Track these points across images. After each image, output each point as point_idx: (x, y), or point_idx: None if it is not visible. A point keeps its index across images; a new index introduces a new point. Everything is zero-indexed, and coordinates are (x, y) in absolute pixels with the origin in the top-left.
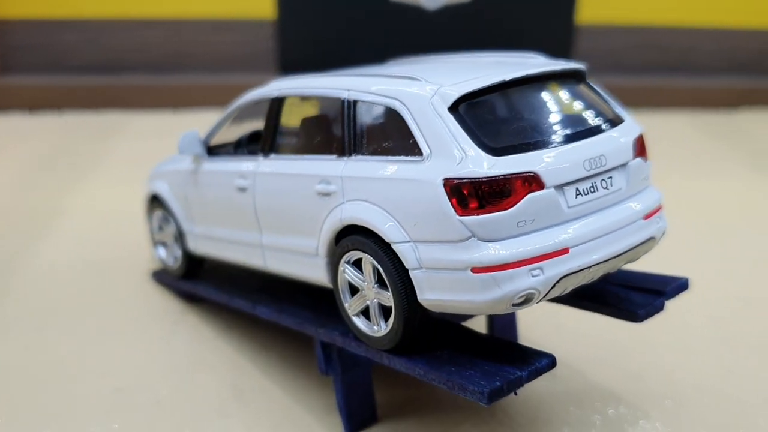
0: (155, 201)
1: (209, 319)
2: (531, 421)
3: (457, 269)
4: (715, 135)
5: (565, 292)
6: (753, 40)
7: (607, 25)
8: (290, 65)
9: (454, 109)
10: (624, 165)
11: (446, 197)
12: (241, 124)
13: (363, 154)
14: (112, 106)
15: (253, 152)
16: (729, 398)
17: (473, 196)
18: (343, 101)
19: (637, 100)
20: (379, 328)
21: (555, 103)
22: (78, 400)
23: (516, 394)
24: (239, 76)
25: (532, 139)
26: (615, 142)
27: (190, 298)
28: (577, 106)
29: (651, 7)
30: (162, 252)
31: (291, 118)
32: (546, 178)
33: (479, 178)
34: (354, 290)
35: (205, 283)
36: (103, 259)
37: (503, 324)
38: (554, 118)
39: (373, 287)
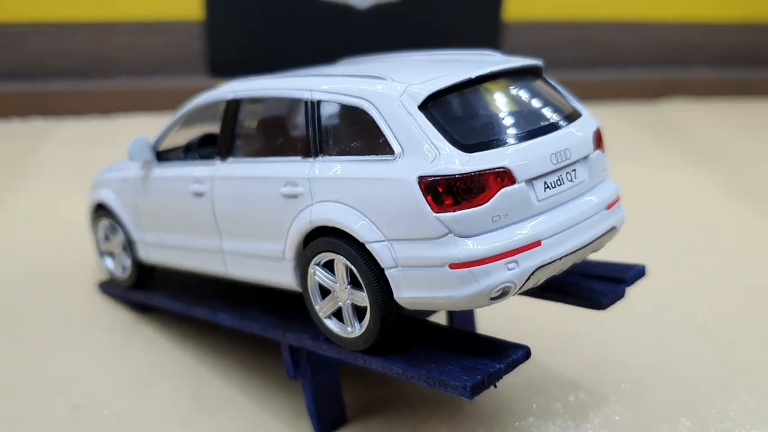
0: (100, 210)
1: (164, 329)
2: (496, 413)
3: (434, 266)
4: (642, 125)
5: (537, 284)
6: (674, 32)
7: (534, 21)
8: (220, 67)
9: (423, 107)
10: (586, 158)
11: (421, 195)
12: (190, 128)
13: (330, 154)
14: (37, 114)
15: (207, 156)
16: (677, 377)
17: (448, 192)
18: (306, 102)
19: None
20: (353, 329)
21: (518, 99)
22: (35, 420)
23: (496, 386)
24: (169, 79)
25: (501, 135)
26: (577, 136)
27: (142, 308)
28: (539, 101)
29: (576, 3)
30: (109, 262)
31: (249, 121)
32: (517, 173)
33: (453, 175)
34: (324, 292)
35: (159, 293)
36: (45, 272)
37: (462, 318)
38: (519, 113)
39: (345, 288)
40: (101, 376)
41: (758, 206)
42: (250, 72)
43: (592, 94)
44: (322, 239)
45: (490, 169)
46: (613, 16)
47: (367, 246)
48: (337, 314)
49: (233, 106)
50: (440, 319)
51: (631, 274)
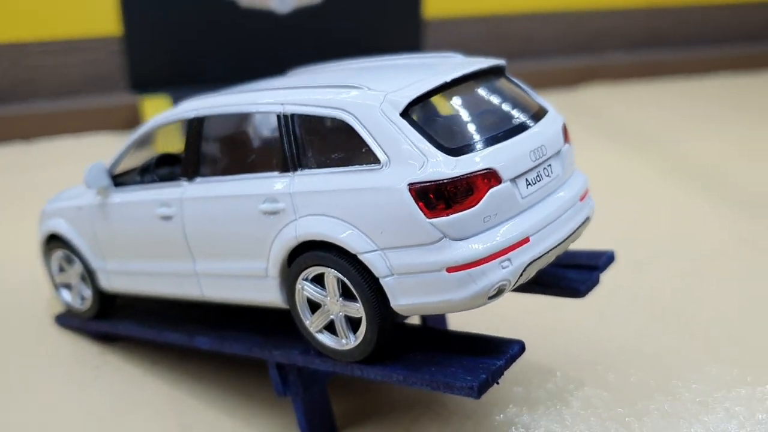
0: (53, 241)
1: (132, 358)
2: (480, 406)
3: (431, 271)
4: (564, 111)
5: (527, 280)
6: (588, 20)
7: (453, 17)
8: (142, 82)
9: (404, 114)
10: (558, 152)
11: (413, 202)
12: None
13: (310, 167)
14: None
15: (169, 177)
16: (645, 354)
17: (440, 197)
18: (279, 116)
19: None
20: (348, 341)
21: (490, 99)
22: None
23: (498, 383)
24: (90, 98)
25: (482, 136)
26: (549, 131)
27: (105, 338)
28: (509, 100)
29: None
30: (66, 294)
31: (215, 139)
32: (502, 173)
33: (444, 180)
34: (313, 307)
35: (125, 321)
36: None
37: (435, 320)
38: (493, 113)
39: (337, 301)
40: (74, 413)
41: (689, 184)
42: (174, 86)
43: None
44: (310, 254)
45: (477, 171)
46: (529, 8)
47: (360, 257)
48: (328, 327)
49: (196, 125)
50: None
51: (603, 260)
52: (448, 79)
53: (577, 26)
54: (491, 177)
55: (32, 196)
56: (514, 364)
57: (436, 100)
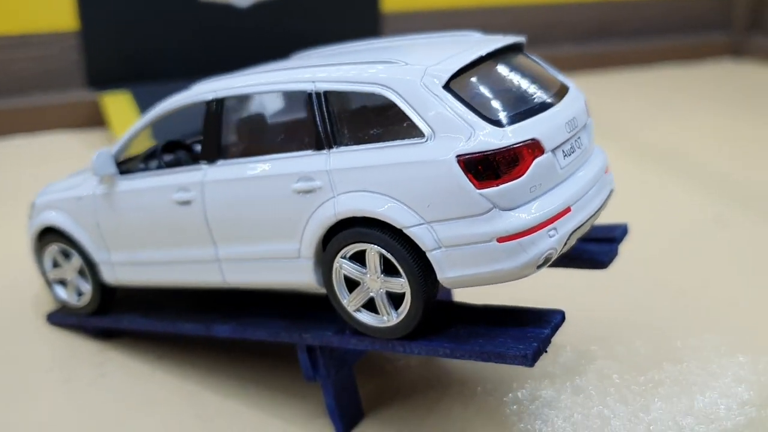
0: (46, 236)
1: (135, 353)
2: (499, 382)
3: (481, 242)
4: None
5: (569, 249)
6: (541, 13)
7: (410, 11)
8: (100, 78)
9: (446, 87)
10: (585, 125)
11: (462, 173)
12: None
13: (347, 144)
14: None
15: (182, 162)
16: (647, 326)
17: (489, 168)
18: (310, 93)
19: None
20: (390, 318)
21: (520, 74)
22: None
23: (546, 351)
24: (46, 95)
25: (521, 108)
26: (577, 104)
27: (104, 334)
28: (535, 75)
29: None
30: (61, 291)
31: (238, 120)
32: (545, 143)
33: (492, 150)
34: (350, 285)
35: (129, 315)
36: None
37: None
38: (527, 87)
39: (378, 277)
40: (84, 415)
41: (658, 168)
42: (133, 82)
43: None
44: (351, 230)
45: (523, 141)
46: (483, 2)
47: (405, 231)
48: (366, 305)
49: (216, 107)
50: None
51: (619, 232)
52: (483, 53)
53: (531, 19)
54: (535, 147)
55: (41, 191)
56: None
57: (471, 74)
